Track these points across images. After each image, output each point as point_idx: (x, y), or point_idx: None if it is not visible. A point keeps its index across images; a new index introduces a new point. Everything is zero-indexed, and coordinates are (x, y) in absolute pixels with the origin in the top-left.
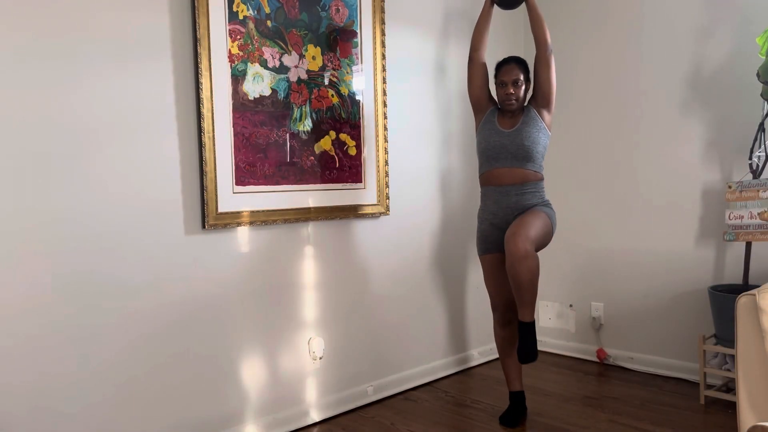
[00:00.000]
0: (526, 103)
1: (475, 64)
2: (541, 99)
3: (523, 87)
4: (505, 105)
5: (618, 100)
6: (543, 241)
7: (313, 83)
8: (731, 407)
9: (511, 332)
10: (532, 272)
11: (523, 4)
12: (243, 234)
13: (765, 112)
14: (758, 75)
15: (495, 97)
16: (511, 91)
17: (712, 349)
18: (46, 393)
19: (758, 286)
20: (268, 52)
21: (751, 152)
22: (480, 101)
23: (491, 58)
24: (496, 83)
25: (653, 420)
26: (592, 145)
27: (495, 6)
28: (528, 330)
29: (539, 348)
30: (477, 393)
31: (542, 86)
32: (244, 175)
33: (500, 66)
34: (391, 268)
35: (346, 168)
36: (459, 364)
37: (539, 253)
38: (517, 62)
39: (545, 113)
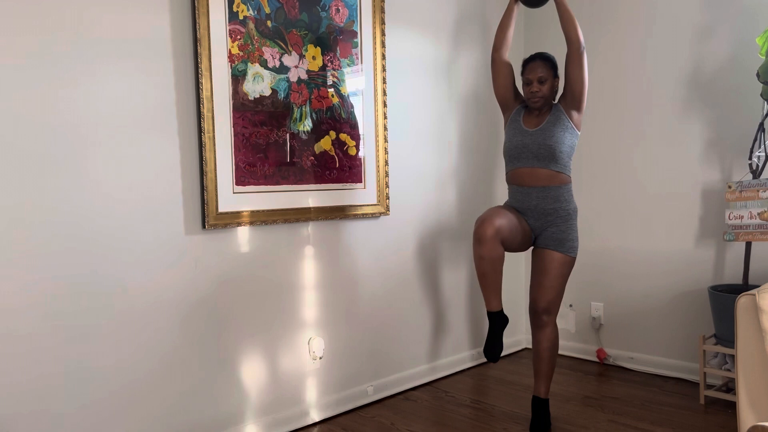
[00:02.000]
0: (556, 101)
1: (497, 63)
2: (571, 98)
3: (549, 84)
4: (531, 103)
5: (618, 100)
6: (565, 284)
7: (313, 83)
8: (731, 407)
9: (489, 250)
10: (551, 341)
11: (551, 3)
12: (243, 234)
13: (765, 112)
14: (758, 75)
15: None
16: (536, 88)
17: (712, 349)
18: (45, 393)
19: (758, 286)
20: (268, 52)
21: (751, 152)
22: (506, 100)
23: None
24: (522, 81)
25: (653, 420)
26: (592, 144)
27: (519, 4)
28: (543, 407)
29: None
30: (477, 393)
31: (573, 85)
32: (244, 175)
33: (526, 63)
34: (391, 268)
35: (346, 168)
36: (459, 364)
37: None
38: (543, 59)
39: (574, 113)
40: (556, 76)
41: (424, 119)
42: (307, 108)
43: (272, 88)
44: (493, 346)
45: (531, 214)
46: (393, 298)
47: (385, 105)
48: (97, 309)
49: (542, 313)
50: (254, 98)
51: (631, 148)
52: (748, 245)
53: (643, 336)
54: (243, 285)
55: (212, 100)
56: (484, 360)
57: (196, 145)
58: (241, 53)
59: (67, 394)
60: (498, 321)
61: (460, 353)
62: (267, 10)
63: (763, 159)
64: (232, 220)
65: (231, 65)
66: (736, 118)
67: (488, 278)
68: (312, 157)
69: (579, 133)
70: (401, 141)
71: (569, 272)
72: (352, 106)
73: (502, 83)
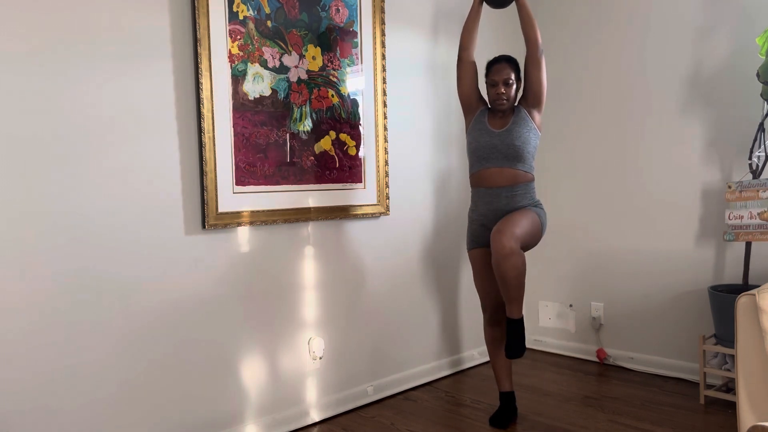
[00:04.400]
0: (516, 103)
1: (464, 63)
2: (531, 99)
3: (514, 86)
4: (496, 105)
5: (618, 100)
6: (530, 240)
7: (313, 83)
8: (731, 407)
9: (501, 332)
10: (517, 269)
11: (513, 3)
12: (243, 234)
13: (765, 112)
14: (758, 75)
15: (485, 97)
16: (502, 90)
17: (712, 349)
18: (45, 391)
19: (758, 286)
20: (268, 52)
21: (751, 152)
22: (470, 101)
23: (489, 56)
24: (486, 83)
25: (653, 420)
26: (592, 145)
27: (484, 5)
28: (516, 327)
29: (541, 348)
30: (477, 393)
31: (533, 86)
32: (244, 175)
33: (491, 65)
34: (391, 268)
35: (346, 168)
36: (459, 364)
37: (530, 252)
38: (508, 61)
39: (535, 113)
40: (519, 78)
41: (424, 119)
42: (307, 108)
43: (272, 88)
44: (500, 420)
45: (501, 213)
46: (393, 298)
47: (385, 105)
48: (96, 309)
49: (505, 240)
50: (254, 98)
51: (631, 148)
52: (748, 245)
53: (643, 336)
54: (243, 285)
55: (212, 100)
56: (484, 360)
57: (196, 145)
58: (241, 53)
59: (67, 393)
60: (509, 403)
61: (460, 353)
62: (267, 10)
63: (763, 159)
64: (232, 220)
65: (231, 65)
66: (736, 118)
67: (502, 358)
68: (312, 157)
69: (540, 134)
70: (401, 141)
71: (533, 227)
72: (352, 106)
73: (467, 83)
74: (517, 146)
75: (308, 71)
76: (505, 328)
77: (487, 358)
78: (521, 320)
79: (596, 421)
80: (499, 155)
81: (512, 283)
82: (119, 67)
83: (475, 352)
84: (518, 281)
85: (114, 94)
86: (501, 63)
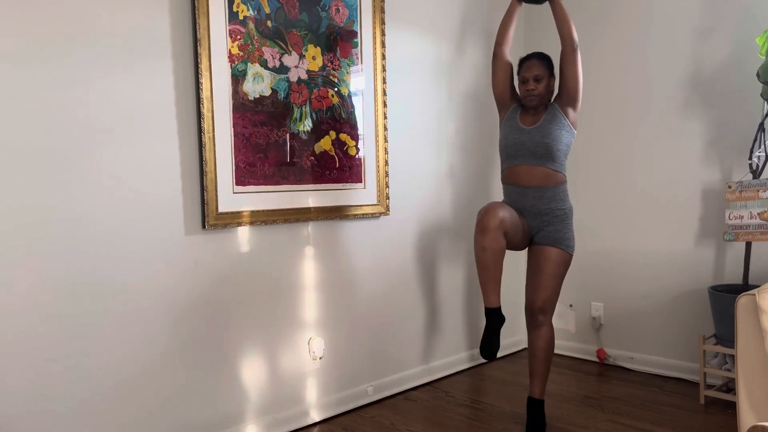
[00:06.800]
0: (552, 101)
1: (498, 59)
2: (566, 96)
3: (545, 83)
4: (527, 101)
5: (618, 100)
6: (562, 282)
7: (313, 83)
8: (731, 407)
9: (492, 240)
10: (548, 341)
11: (547, 2)
12: (243, 234)
13: (765, 112)
14: (758, 75)
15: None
16: (532, 86)
17: (712, 349)
18: (45, 393)
19: (758, 286)
20: (268, 52)
21: (751, 152)
22: (504, 97)
23: (514, 55)
24: (518, 79)
25: (653, 420)
26: (593, 145)
27: (521, 2)
28: (539, 408)
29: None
30: (477, 393)
31: (568, 83)
32: (244, 175)
33: (522, 62)
34: (391, 268)
35: (346, 168)
36: (459, 364)
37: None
38: (540, 58)
39: (570, 111)
40: (551, 75)
41: (424, 119)
42: (307, 108)
43: (272, 88)
44: (490, 343)
45: (527, 214)
46: (393, 298)
47: (385, 105)
48: (97, 309)
49: (538, 312)
50: (254, 98)
51: (632, 148)
52: (748, 245)
53: (643, 336)
54: (243, 285)
55: (212, 100)
56: (484, 360)
57: (196, 145)
58: (241, 53)
59: (67, 394)
60: (496, 319)
61: (460, 353)
62: (267, 10)
63: (763, 159)
64: (232, 220)
65: (231, 65)
66: (736, 118)
67: (489, 272)
68: (312, 157)
69: (575, 132)
70: (401, 141)
71: (566, 270)
72: (352, 106)
73: (501, 80)
74: (546, 144)
75: (308, 71)
76: (527, 409)
77: None
78: (543, 402)
79: (596, 421)
80: (527, 152)
81: (541, 355)
82: (119, 67)
83: (476, 351)
84: (547, 353)
85: (114, 94)
86: (532, 59)
